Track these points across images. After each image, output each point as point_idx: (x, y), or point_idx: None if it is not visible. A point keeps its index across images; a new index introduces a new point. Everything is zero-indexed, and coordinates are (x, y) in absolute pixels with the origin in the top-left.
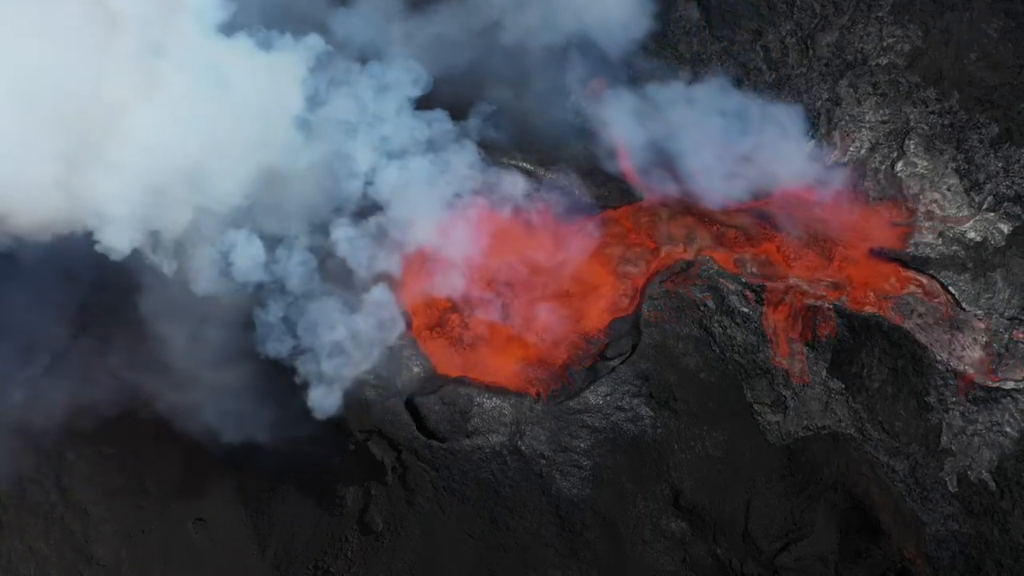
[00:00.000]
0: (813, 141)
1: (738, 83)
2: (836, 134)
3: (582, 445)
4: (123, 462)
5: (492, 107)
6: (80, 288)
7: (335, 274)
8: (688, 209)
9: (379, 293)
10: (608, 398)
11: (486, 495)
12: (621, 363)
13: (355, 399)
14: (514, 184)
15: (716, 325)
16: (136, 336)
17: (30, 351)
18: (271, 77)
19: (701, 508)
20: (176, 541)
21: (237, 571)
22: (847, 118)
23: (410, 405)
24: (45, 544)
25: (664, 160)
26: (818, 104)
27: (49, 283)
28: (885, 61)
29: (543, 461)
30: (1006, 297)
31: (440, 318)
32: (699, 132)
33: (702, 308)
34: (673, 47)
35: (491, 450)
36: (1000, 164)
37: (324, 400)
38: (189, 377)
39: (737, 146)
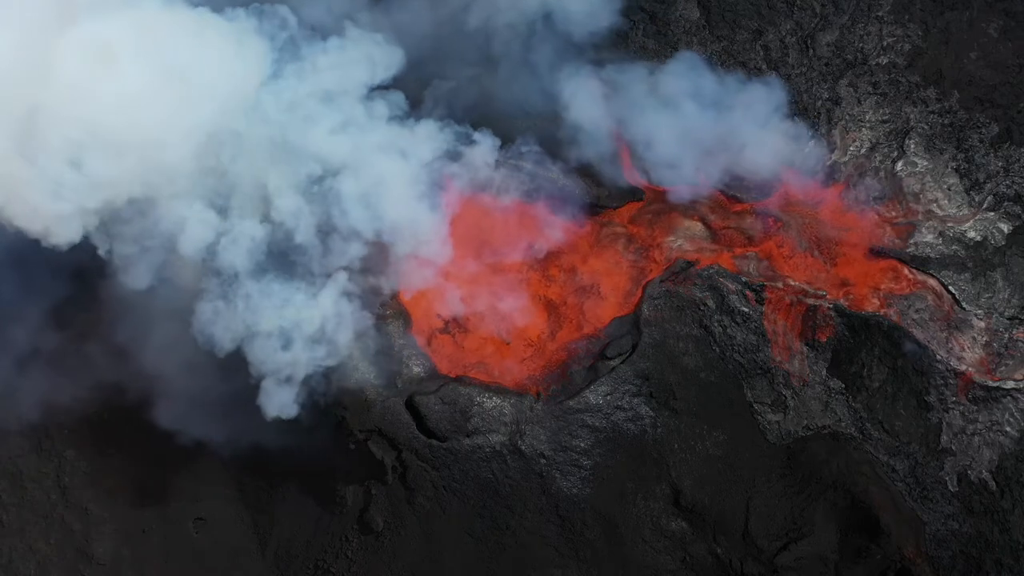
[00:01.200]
0: (813, 141)
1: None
2: (836, 133)
3: (582, 445)
4: (123, 462)
5: (451, 84)
6: (57, 277)
7: (287, 257)
8: (688, 208)
9: (339, 279)
10: (608, 397)
11: (486, 495)
12: (621, 363)
13: (355, 399)
14: (484, 163)
15: (716, 324)
16: (120, 329)
17: (3, 342)
18: (231, 47)
19: (701, 507)
20: (176, 541)
21: (237, 571)
22: (847, 118)
23: (410, 405)
24: (45, 544)
25: (629, 146)
26: (818, 104)
27: (21, 271)
28: (885, 60)
29: (543, 461)
30: (1006, 296)
31: (432, 338)
32: (666, 116)
33: (702, 308)
34: (673, 47)
35: (491, 450)
36: (1000, 163)
37: (274, 397)
38: (179, 372)
39: (709, 129)
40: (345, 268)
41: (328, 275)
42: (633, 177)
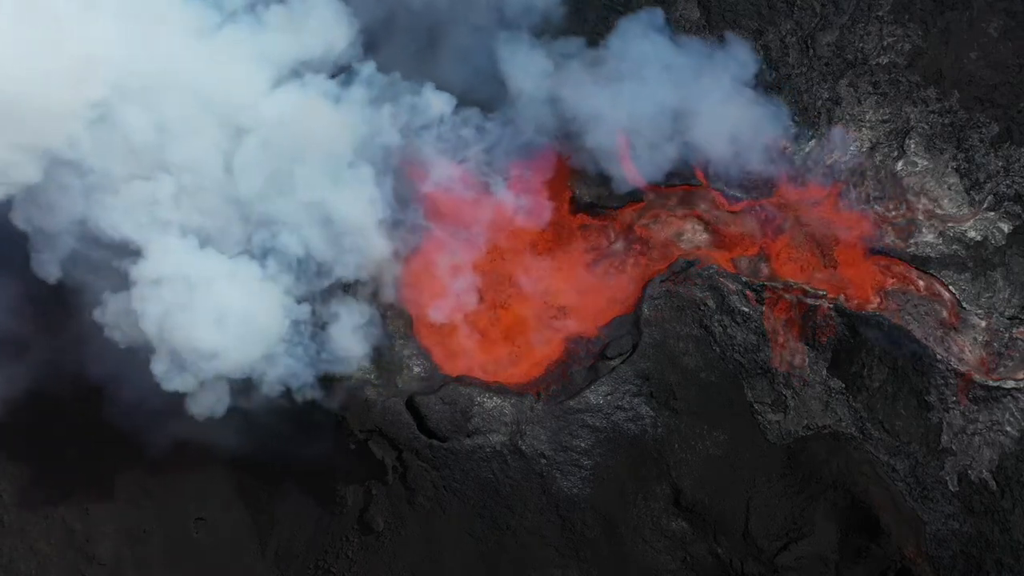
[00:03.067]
0: (814, 140)
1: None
2: (836, 132)
3: (582, 444)
4: (123, 462)
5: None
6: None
7: (210, 234)
8: (689, 208)
9: (270, 259)
10: (608, 397)
11: (486, 495)
12: (622, 362)
13: (355, 399)
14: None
15: (716, 324)
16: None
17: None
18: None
19: (701, 507)
20: (176, 541)
21: (238, 571)
22: (847, 117)
23: (410, 405)
24: (46, 544)
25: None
26: (818, 104)
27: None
28: (885, 60)
29: (544, 460)
30: (1006, 296)
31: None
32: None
33: (702, 307)
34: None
35: (492, 450)
36: (1000, 163)
37: (202, 398)
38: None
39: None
40: (278, 247)
41: (256, 256)
42: (632, 174)
